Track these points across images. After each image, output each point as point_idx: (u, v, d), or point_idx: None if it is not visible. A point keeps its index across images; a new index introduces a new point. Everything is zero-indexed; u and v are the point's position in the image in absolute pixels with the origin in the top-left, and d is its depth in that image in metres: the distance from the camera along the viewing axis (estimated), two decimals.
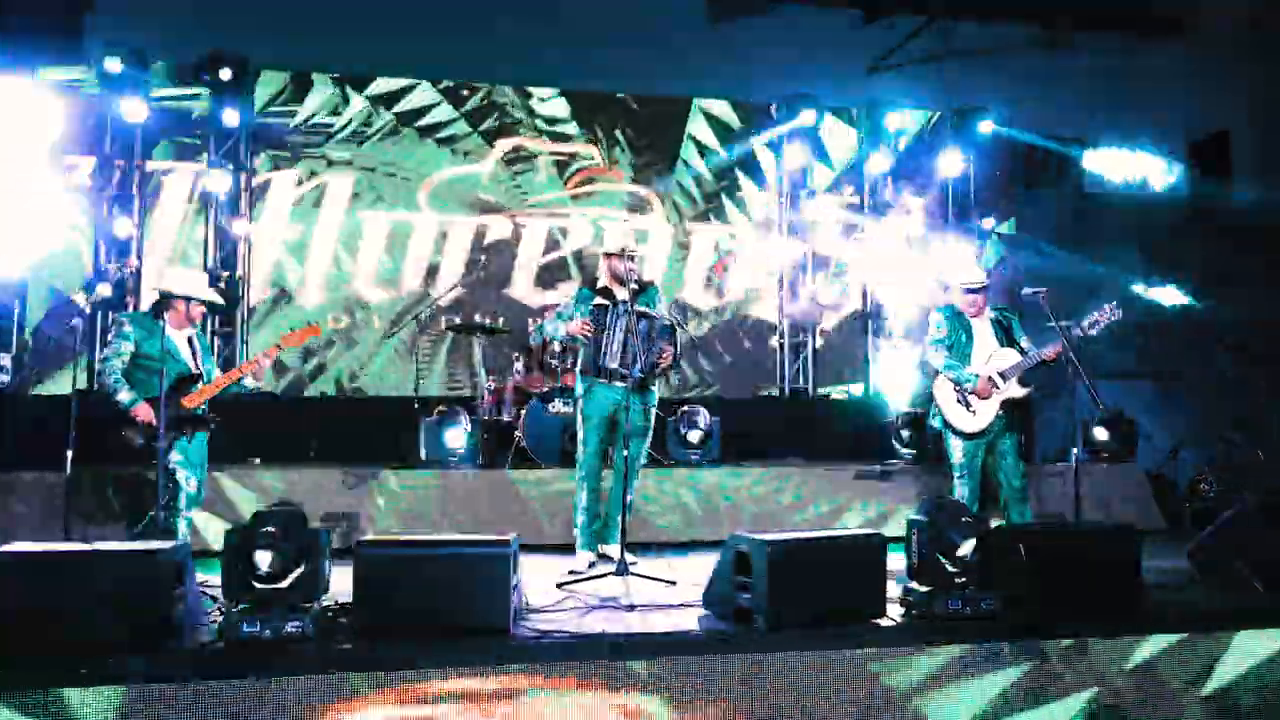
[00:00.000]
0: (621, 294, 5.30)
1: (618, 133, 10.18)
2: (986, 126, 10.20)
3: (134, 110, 8.70)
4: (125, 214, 8.82)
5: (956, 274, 5.42)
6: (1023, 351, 5.22)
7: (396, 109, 9.75)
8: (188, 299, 5.06)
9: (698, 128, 10.37)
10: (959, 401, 5.28)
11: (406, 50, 9.41)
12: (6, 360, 8.61)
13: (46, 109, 8.47)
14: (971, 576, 4.09)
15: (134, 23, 8.96)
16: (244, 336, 9.22)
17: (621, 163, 10.16)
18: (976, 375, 5.20)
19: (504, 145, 9.93)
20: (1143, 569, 4.34)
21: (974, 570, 4.10)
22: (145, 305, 8.70)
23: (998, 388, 5.19)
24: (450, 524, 6.23)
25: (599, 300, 5.38)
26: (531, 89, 10.01)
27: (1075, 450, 5.15)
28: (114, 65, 8.71)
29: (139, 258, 8.96)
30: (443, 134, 9.80)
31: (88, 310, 8.29)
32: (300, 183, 9.56)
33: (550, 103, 10.06)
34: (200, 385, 5.05)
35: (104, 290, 8.36)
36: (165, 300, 5.01)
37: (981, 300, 5.35)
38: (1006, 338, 5.30)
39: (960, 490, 5.27)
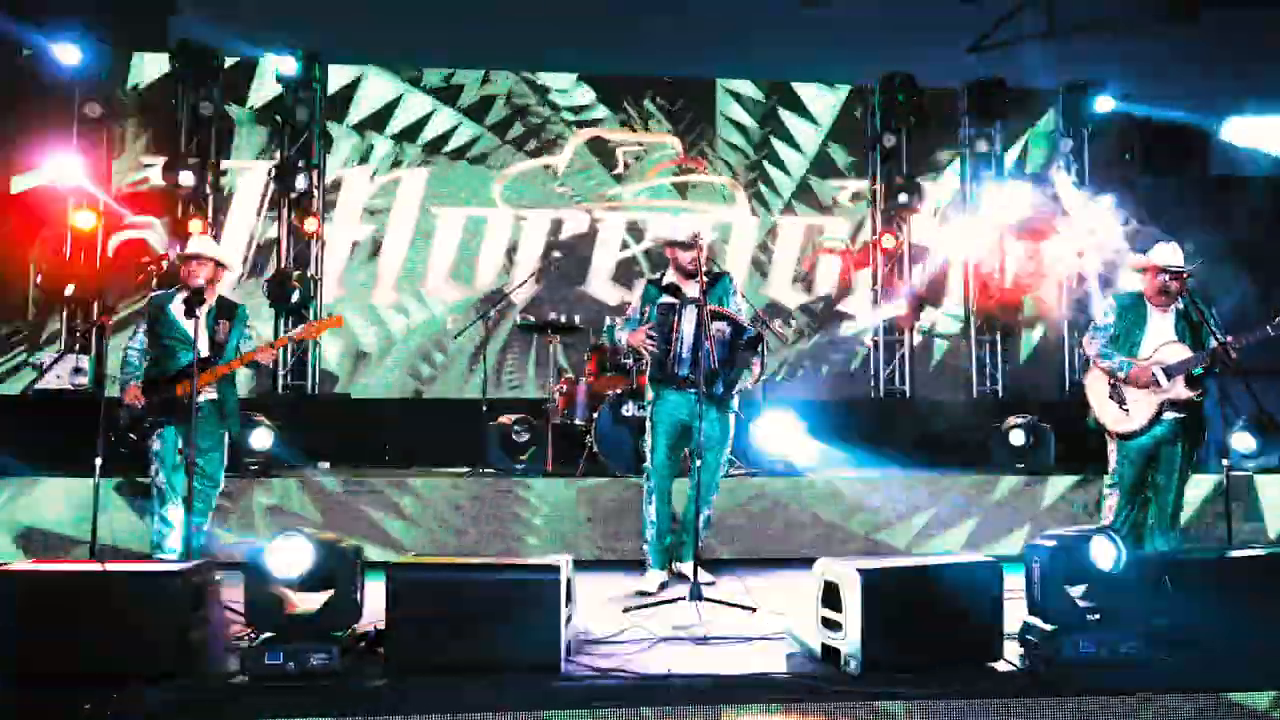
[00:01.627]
0: (691, 290, 4.77)
1: (697, 119, 9.66)
2: (1104, 103, 9.35)
3: (207, 108, 8.63)
4: (199, 213, 8.69)
5: (1152, 254, 4.65)
6: (1201, 349, 4.45)
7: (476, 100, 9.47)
8: (184, 259, 4.75)
9: (786, 115, 9.78)
10: (1111, 397, 4.57)
11: (486, 41, 9.20)
12: (85, 363, 8.61)
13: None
14: (1109, 613, 3.45)
15: (210, 22, 8.93)
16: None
17: (702, 152, 9.63)
18: (1131, 363, 4.48)
19: (580, 136, 9.52)
20: None
21: (1112, 606, 3.46)
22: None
23: (1158, 384, 4.44)
24: (513, 536, 5.81)
25: (666, 299, 4.85)
26: (612, 77, 9.59)
27: (1226, 460, 4.40)
28: (190, 61, 8.63)
29: None
30: (519, 125, 9.46)
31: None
32: (373, 178, 9.32)
33: (629, 90, 9.61)
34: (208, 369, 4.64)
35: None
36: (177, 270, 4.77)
37: (1174, 287, 4.53)
38: (1192, 334, 4.53)
39: (1108, 501, 4.56)
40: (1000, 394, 9.34)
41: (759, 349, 4.78)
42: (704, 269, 4.71)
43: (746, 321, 4.82)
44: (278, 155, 9.03)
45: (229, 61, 8.91)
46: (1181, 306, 4.57)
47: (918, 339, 9.54)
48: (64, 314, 8.66)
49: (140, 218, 8.86)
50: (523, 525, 5.87)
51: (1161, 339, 4.52)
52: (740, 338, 4.72)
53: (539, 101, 9.51)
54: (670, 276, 4.98)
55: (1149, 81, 9.98)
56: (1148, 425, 4.46)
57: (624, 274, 9.41)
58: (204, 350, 4.65)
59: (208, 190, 8.83)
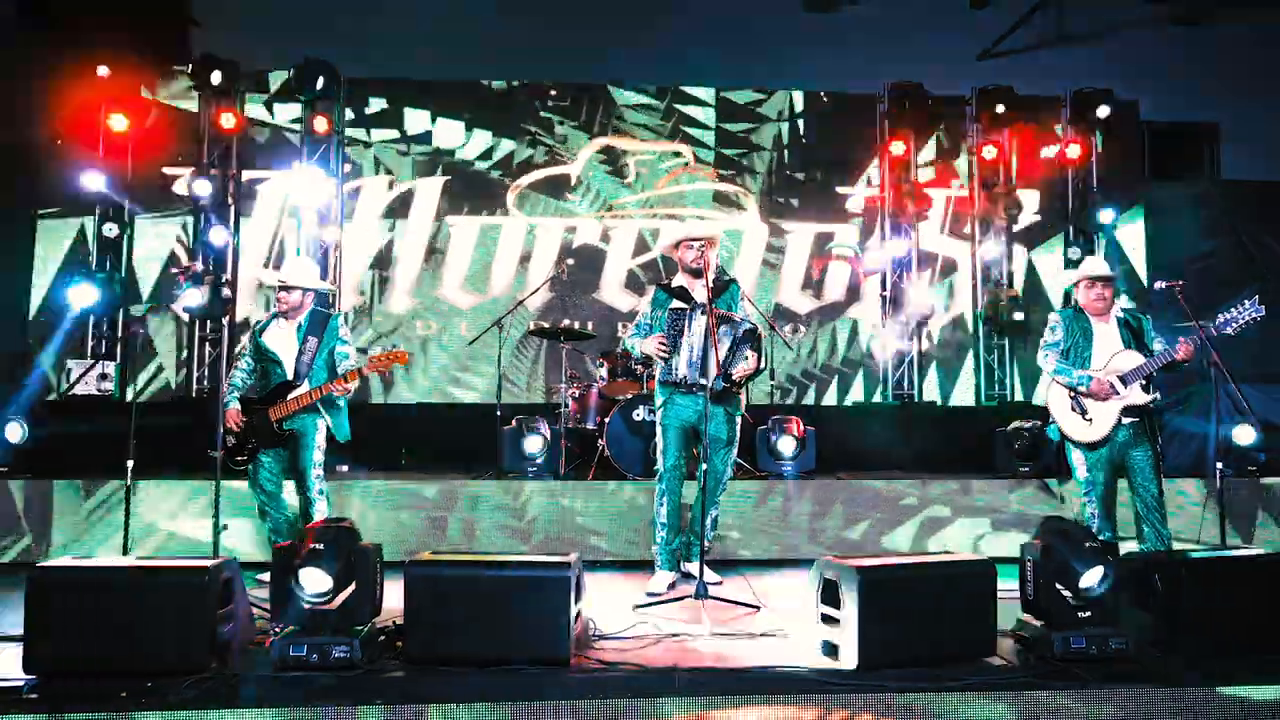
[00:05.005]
0: (699, 294, 4.92)
1: (706, 128, 9.81)
2: (1106, 110, 9.41)
3: (230, 121, 8.84)
4: (221, 223, 8.92)
5: (1082, 267, 4.85)
6: (1150, 354, 4.62)
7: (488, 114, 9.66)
8: (274, 288, 5.03)
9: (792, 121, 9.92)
10: (1073, 409, 4.72)
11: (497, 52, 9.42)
12: (111, 369, 8.84)
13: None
14: (1098, 611, 3.58)
15: (231, 38, 9.16)
16: None
17: (711, 160, 9.78)
18: (1090, 377, 4.63)
19: (594, 145, 9.69)
20: None
21: (1101, 604, 3.58)
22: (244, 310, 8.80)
23: (1117, 392, 4.60)
24: (528, 537, 5.96)
25: (675, 304, 4.99)
26: (621, 87, 9.76)
27: (1220, 465, 4.51)
28: (214, 77, 8.85)
29: (235, 266, 9.08)
30: (532, 135, 9.64)
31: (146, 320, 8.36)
32: (390, 187, 9.52)
33: (639, 101, 9.78)
34: (291, 394, 4.86)
35: (196, 298, 8.44)
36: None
37: (1109, 295, 4.77)
38: (1135, 341, 4.71)
39: (1088, 509, 4.69)
40: (1009, 398, 9.43)
41: (755, 343, 4.87)
42: (712, 272, 4.85)
43: (745, 320, 4.91)
44: (296, 165, 9.23)
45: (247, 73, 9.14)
46: (1121, 315, 4.76)
47: (926, 344, 9.64)
48: (89, 323, 8.88)
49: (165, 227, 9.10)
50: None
51: (1112, 348, 4.68)
52: (736, 330, 4.82)
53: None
54: (679, 279, 5.13)
55: (1157, 87, 10.06)
56: (1110, 433, 4.61)
57: (635, 281, 9.57)
58: (289, 371, 4.91)
59: (228, 200, 9.07)
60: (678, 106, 9.80)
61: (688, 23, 9.50)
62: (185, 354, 9.09)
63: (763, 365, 4.91)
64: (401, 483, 6.16)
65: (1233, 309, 4.35)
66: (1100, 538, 3.89)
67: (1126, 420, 4.61)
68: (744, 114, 9.86)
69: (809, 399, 9.52)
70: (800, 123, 9.89)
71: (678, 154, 9.75)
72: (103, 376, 8.85)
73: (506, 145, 9.64)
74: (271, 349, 4.92)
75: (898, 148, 9.53)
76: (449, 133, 9.60)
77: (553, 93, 9.71)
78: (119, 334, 8.87)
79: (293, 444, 4.88)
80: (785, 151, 9.84)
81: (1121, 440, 4.62)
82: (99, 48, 8.72)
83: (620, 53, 9.55)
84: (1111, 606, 3.59)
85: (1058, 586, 3.59)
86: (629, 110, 9.74)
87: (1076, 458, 4.75)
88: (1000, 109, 9.54)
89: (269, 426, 4.82)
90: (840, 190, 9.85)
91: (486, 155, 9.62)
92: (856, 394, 9.64)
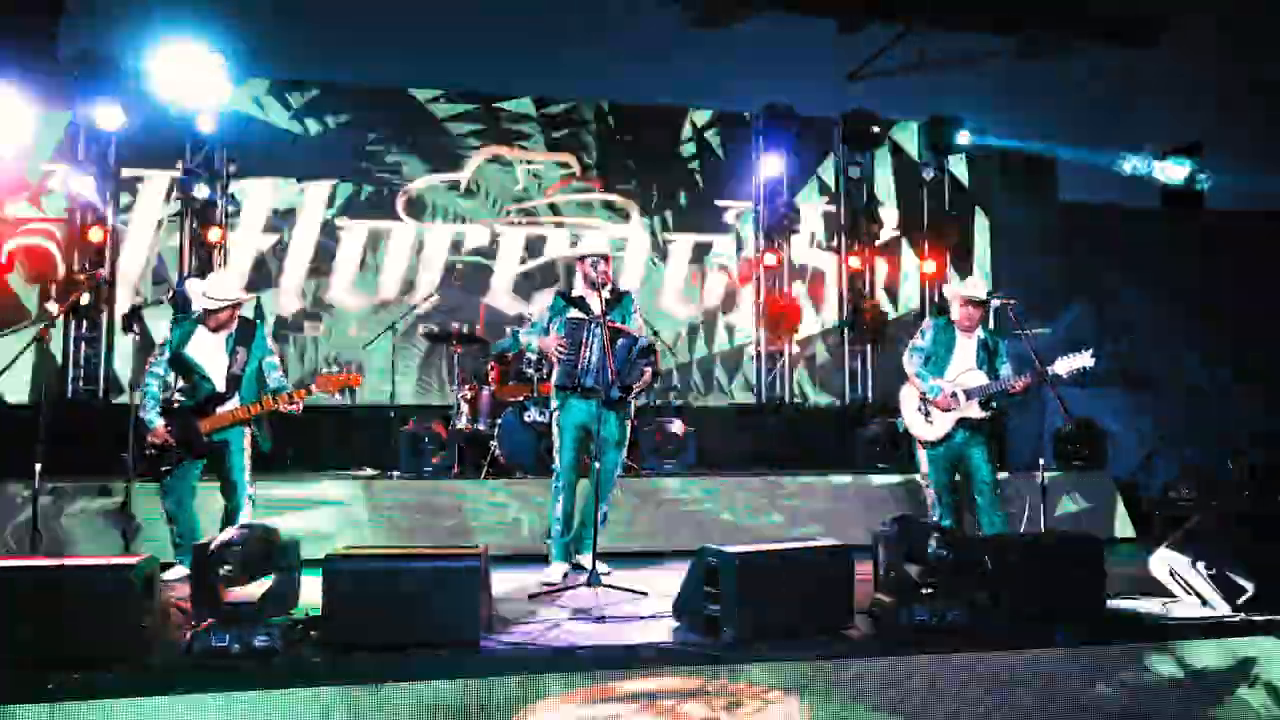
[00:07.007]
0: (597, 305, 5.30)
1: (594, 140, 10.22)
2: (964, 137, 10.28)
3: (108, 116, 8.65)
4: (98, 221, 8.75)
5: (960, 286, 5.51)
6: (995, 377, 5.29)
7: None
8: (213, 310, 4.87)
9: (680, 136, 10.43)
10: (919, 409, 5.38)
11: (383, 59, 9.50)
12: None
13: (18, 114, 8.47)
14: (938, 588, 4.15)
15: (103, 27, 8.94)
16: None
17: (598, 171, 10.19)
18: (940, 388, 5.28)
19: (482, 154, 9.94)
20: (1107, 578, 4.40)
21: (940, 581, 4.15)
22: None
23: (958, 404, 5.26)
24: (426, 534, 6.22)
25: (574, 314, 5.35)
26: (508, 97, 10.03)
27: (1042, 459, 5.22)
28: (87, 71, 8.65)
29: (112, 266, 8.92)
30: (421, 142, 9.81)
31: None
32: (277, 189, 9.52)
33: (527, 111, 10.08)
34: (221, 407, 4.85)
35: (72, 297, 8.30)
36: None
37: (977, 316, 5.40)
38: (988, 362, 5.36)
39: (929, 498, 5.34)
40: (870, 399, 10.19)
41: (650, 358, 5.33)
42: (608, 285, 5.24)
43: (643, 338, 5.37)
44: (180, 163, 9.12)
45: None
46: (983, 336, 5.41)
47: (795, 349, 10.31)
48: None
49: (40, 224, 8.86)
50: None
51: (965, 365, 5.34)
52: (635, 349, 5.27)
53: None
54: (578, 289, 5.50)
55: (1007, 114, 11.00)
56: (945, 436, 5.30)
57: (522, 287, 9.88)
58: (220, 384, 4.86)
59: (106, 198, 8.89)
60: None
61: (559, 40, 9.75)
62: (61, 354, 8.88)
63: (657, 380, 5.35)
64: (300, 483, 6.32)
65: (1073, 356, 5.04)
66: (941, 524, 4.48)
67: (962, 429, 5.28)
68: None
69: (688, 400, 10.04)
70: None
71: (565, 165, 10.12)
72: None
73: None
74: (197, 362, 4.87)
75: (771, 166, 10.16)
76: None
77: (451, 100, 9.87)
78: None
79: (218, 453, 4.92)
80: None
81: (959, 441, 5.29)
82: None
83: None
84: (949, 584, 4.17)
85: (905, 568, 4.15)
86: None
87: (920, 453, 5.40)
88: (864, 131, 10.31)
89: (200, 438, 4.82)
90: (719, 204, 10.43)
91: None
92: (734, 396, 10.22)
